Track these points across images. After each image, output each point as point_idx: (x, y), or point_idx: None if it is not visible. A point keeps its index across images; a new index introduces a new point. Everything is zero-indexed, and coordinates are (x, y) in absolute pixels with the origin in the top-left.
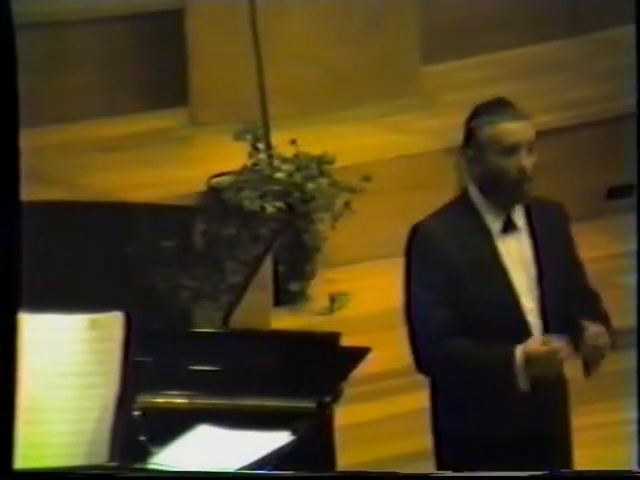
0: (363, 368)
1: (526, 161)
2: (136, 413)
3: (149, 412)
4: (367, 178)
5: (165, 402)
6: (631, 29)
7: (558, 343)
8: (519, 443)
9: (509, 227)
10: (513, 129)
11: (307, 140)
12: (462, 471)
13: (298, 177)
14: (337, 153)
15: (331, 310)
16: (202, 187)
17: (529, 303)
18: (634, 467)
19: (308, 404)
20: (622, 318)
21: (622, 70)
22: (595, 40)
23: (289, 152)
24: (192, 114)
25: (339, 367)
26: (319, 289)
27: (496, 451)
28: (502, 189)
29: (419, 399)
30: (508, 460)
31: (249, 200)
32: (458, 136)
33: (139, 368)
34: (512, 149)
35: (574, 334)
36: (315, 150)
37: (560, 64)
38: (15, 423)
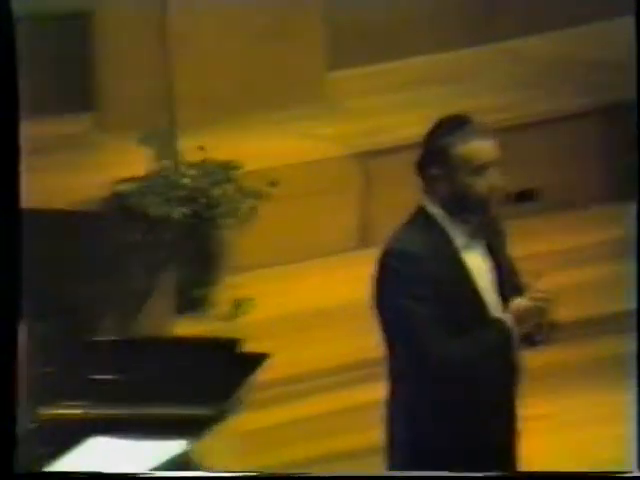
0: (268, 372)
1: (496, 179)
2: (33, 425)
3: (47, 423)
4: (273, 183)
5: (63, 413)
6: (534, 40)
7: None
8: (474, 451)
9: (472, 241)
10: (485, 147)
11: (214, 146)
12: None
13: (204, 183)
14: (243, 159)
15: (235, 316)
16: (106, 193)
17: (495, 309)
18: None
19: (206, 411)
20: None
21: (524, 80)
22: (500, 49)
23: (196, 158)
24: (98, 119)
25: (238, 373)
26: (224, 295)
27: (449, 457)
28: (470, 207)
29: (323, 401)
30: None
31: (154, 206)
32: (362, 142)
33: (39, 379)
34: (483, 167)
35: None
36: (222, 156)
37: (464, 72)
38: (16, 427)
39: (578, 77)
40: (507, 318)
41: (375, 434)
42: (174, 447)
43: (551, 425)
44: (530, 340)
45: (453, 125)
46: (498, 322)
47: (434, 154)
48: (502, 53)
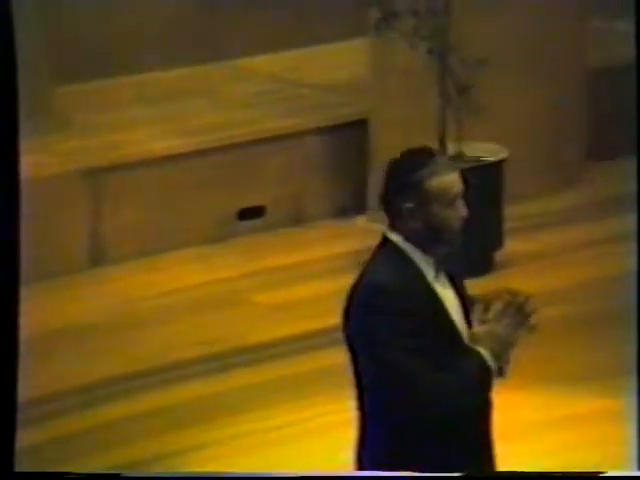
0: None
1: (464, 211)
2: None
3: None
4: None
5: None
6: (262, 59)
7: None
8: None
9: (439, 274)
10: (455, 179)
11: None
12: None
13: None
14: None
15: None
16: None
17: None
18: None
19: None
20: (267, 333)
21: (255, 98)
22: (231, 67)
23: None
24: None
25: None
26: None
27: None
28: (443, 239)
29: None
30: None
31: None
32: (93, 157)
33: None
34: (454, 200)
35: None
36: None
37: (195, 89)
38: (16, 426)
39: (307, 96)
40: (483, 350)
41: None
42: None
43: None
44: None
45: (422, 158)
46: (477, 354)
47: (407, 188)
48: (234, 70)
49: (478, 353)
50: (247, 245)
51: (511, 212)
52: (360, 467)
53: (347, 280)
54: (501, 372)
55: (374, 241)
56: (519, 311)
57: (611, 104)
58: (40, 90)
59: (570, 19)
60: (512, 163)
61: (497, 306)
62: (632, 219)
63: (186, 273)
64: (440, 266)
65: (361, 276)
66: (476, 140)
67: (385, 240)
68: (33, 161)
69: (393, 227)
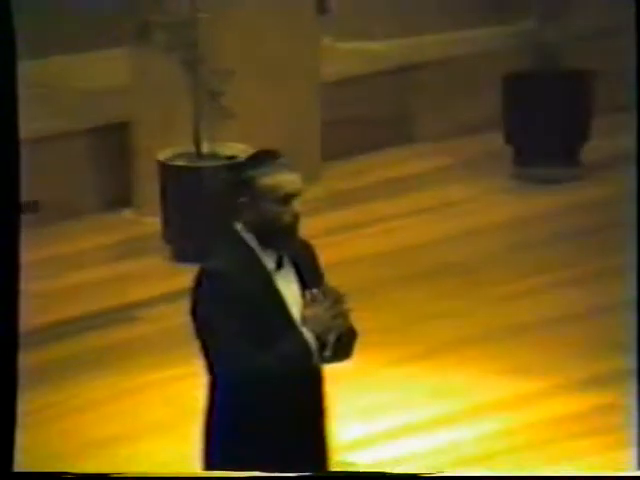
0: None
1: (299, 208)
2: None
3: None
4: None
5: None
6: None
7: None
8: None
9: (281, 265)
10: (288, 180)
11: None
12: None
13: None
14: None
15: None
16: None
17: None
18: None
19: None
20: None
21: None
22: None
23: None
24: None
25: None
26: None
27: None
28: (277, 234)
29: None
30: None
31: None
32: None
33: None
34: (286, 198)
35: None
36: None
37: None
38: (16, 426)
39: (74, 100)
40: (304, 328)
41: None
42: None
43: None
44: (324, 348)
45: (261, 159)
46: (299, 334)
47: (242, 184)
48: None
49: (301, 333)
50: (24, 237)
51: None
52: (207, 431)
53: (121, 266)
54: (325, 349)
55: (141, 230)
56: (337, 302)
57: (343, 110)
58: None
59: (301, 40)
60: None
61: (319, 295)
62: (362, 209)
63: None
64: (283, 259)
65: (202, 265)
66: (227, 140)
67: (229, 229)
68: None
69: (236, 219)
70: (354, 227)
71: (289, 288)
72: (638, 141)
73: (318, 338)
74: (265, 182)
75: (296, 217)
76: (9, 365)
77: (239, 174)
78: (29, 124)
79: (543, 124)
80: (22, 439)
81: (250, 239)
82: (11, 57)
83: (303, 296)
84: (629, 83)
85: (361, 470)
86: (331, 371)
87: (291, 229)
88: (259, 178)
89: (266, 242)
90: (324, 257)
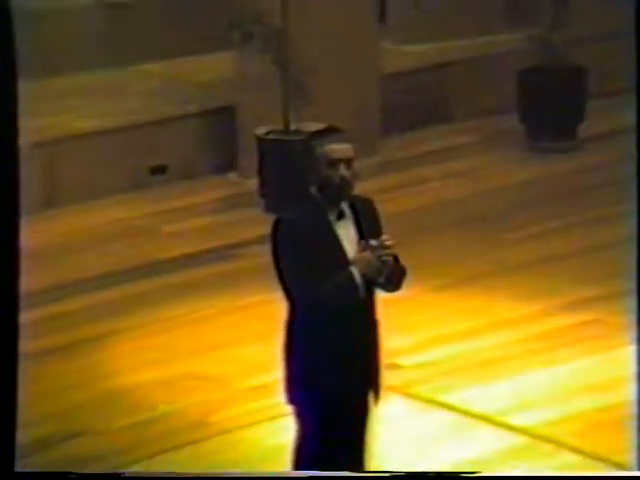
0: None
1: (345, 172)
2: None
3: None
4: None
5: None
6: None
7: (372, 243)
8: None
9: (341, 216)
10: (338, 148)
11: None
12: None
13: None
14: None
15: None
16: None
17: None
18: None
19: None
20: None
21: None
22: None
23: None
24: None
25: None
26: None
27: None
28: (331, 191)
29: None
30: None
31: None
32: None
33: None
34: (335, 162)
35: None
36: None
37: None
38: (16, 426)
39: (192, 91)
40: (353, 267)
41: None
42: None
43: None
44: (376, 283)
45: (323, 132)
46: (348, 272)
47: (308, 151)
48: (136, 73)
49: (350, 272)
50: (154, 192)
51: None
52: (288, 342)
53: (227, 215)
54: (374, 283)
55: (242, 188)
56: (385, 250)
57: (397, 97)
58: None
59: (366, 43)
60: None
61: (371, 244)
62: (410, 173)
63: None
64: (343, 211)
65: (277, 216)
66: (308, 121)
67: (303, 188)
68: None
69: (309, 179)
70: (404, 187)
71: (347, 235)
72: (638, 137)
73: (365, 276)
74: (319, 149)
75: (343, 179)
76: (9, 365)
77: (307, 144)
78: (164, 107)
79: (549, 107)
80: (160, 340)
81: (318, 195)
82: (10, 57)
83: (359, 243)
84: (617, 76)
85: (406, 369)
86: (382, 297)
87: (340, 189)
88: (317, 146)
89: (326, 198)
90: (380, 209)
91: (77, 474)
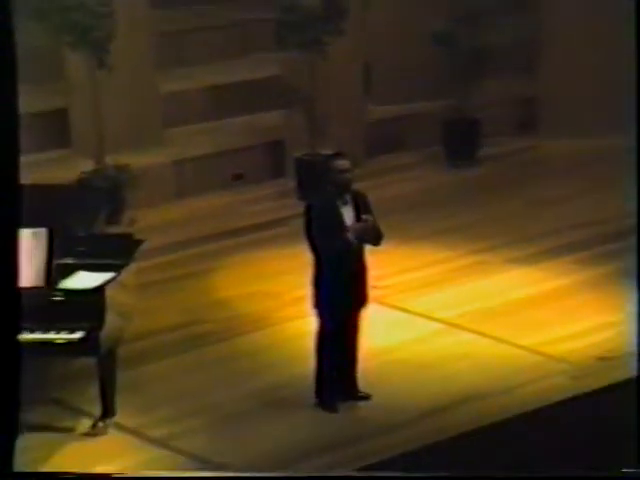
0: None
1: (347, 176)
2: None
3: None
4: None
5: None
6: None
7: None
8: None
9: (345, 203)
10: (342, 163)
11: None
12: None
13: None
14: None
15: None
16: None
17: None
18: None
19: None
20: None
21: None
22: None
23: None
24: None
25: None
26: None
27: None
28: (338, 188)
29: None
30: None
31: None
32: None
33: None
34: (340, 171)
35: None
36: None
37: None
38: (16, 426)
39: None
40: (350, 233)
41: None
42: None
43: None
44: (364, 240)
45: (332, 155)
46: (345, 235)
47: (325, 165)
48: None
49: (347, 236)
50: (236, 195)
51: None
52: (315, 274)
53: (279, 202)
54: (368, 241)
55: (287, 187)
56: (369, 225)
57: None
58: None
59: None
60: None
61: (363, 217)
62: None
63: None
64: (347, 200)
65: (308, 202)
66: (327, 147)
67: (324, 186)
68: None
69: (327, 181)
70: (382, 184)
71: (348, 215)
72: (638, 137)
73: (357, 238)
74: (331, 164)
75: (346, 180)
76: (10, 366)
77: (324, 161)
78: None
79: (461, 141)
80: (245, 271)
81: (331, 190)
82: (10, 57)
83: (354, 220)
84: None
85: (379, 289)
86: (392, 253)
87: (344, 186)
88: (329, 162)
89: (336, 191)
90: (378, 195)
91: (77, 474)
